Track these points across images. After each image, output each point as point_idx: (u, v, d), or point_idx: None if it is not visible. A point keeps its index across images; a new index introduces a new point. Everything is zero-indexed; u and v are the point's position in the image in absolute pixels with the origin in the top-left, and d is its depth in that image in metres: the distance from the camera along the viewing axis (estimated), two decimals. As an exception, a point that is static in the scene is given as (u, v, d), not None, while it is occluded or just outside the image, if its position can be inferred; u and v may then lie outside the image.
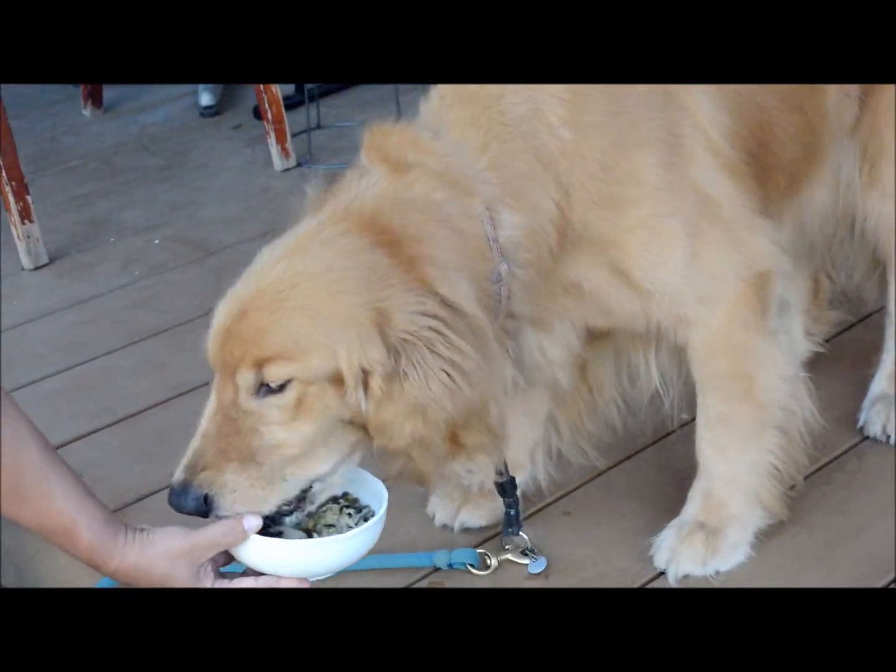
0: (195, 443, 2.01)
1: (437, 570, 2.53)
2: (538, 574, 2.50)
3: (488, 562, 2.53)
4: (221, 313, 2.03)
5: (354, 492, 2.11)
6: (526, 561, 2.53)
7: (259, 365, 1.96)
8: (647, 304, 2.35)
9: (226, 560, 2.00)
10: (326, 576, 2.04)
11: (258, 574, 1.99)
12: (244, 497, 1.97)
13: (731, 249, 2.36)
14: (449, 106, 2.23)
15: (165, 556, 1.92)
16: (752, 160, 2.40)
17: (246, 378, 1.97)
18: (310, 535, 2.05)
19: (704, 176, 2.32)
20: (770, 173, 2.47)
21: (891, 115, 2.59)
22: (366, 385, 1.97)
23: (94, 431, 3.13)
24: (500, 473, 2.45)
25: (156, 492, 2.86)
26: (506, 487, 2.50)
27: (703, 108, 2.31)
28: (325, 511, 2.08)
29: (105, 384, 3.37)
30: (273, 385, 1.97)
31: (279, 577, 1.98)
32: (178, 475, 1.99)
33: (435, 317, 1.99)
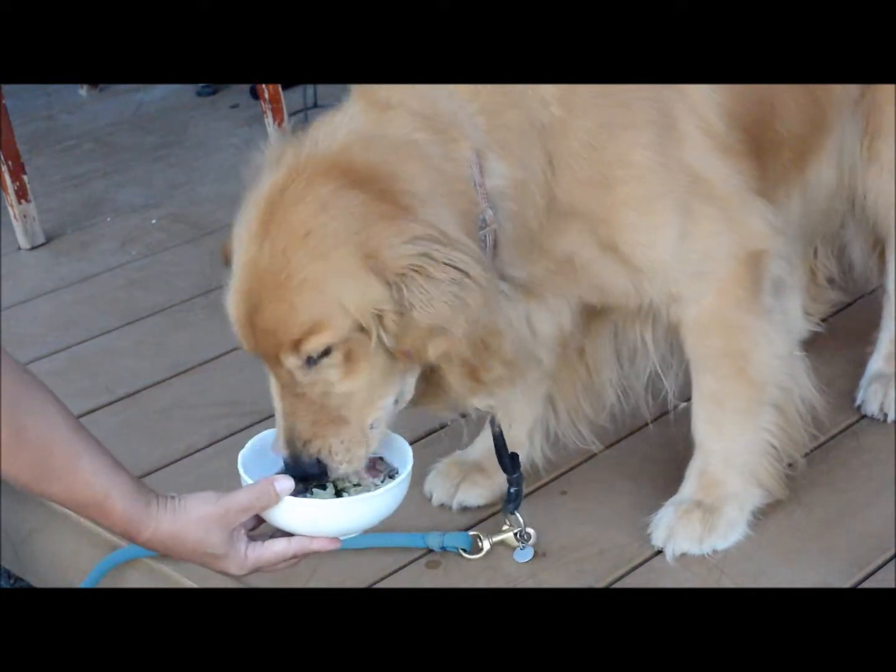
0: (282, 423, 2.07)
1: (431, 550, 2.54)
2: (528, 561, 2.49)
3: (480, 544, 2.52)
4: (236, 309, 2.07)
5: (379, 451, 2.14)
6: (518, 544, 2.51)
7: (295, 346, 2.02)
8: (638, 282, 2.34)
9: (255, 524, 2.02)
10: (355, 534, 2.07)
11: (289, 535, 2.01)
12: (349, 454, 2.05)
13: (723, 228, 2.35)
14: None
15: (199, 522, 1.93)
16: (749, 139, 2.38)
17: (291, 361, 2.03)
18: (338, 495, 2.07)
19: (697, 156, 2.31)
20: (774, 149, 2.45)
21: (892, 90, 2.57)
22: (384, 324, 2.01)
23: (92, 411, 3.13)
24: (496, 426, 2.44)
25: (155, 470, 2.86)
26: (505, 463, 2.48)
27: (698, 88, 2.30)
28: None
29: (103, 363, 3.37)
30: (316, 355, 2.02)
31: (311, 537, 2.01)
32: (285, 451, 2.06)
33: (421, 239, 2.00)
